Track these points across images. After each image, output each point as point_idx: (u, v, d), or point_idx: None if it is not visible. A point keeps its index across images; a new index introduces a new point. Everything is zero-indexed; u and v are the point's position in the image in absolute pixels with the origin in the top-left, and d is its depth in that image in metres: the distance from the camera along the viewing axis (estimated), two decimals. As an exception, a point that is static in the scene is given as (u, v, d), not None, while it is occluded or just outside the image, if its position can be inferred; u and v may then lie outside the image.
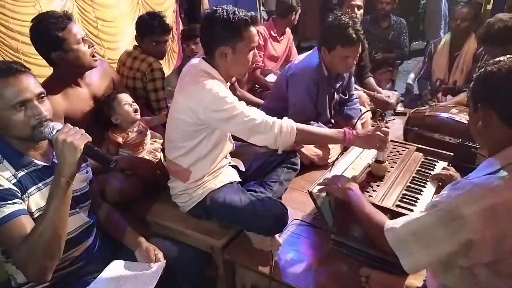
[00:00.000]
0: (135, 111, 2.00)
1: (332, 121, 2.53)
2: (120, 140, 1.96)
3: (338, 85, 2.43)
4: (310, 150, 2.29)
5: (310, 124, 2.22)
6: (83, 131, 1.21)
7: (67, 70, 1.80)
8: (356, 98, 2.64)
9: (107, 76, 2.08)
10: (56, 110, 1.69)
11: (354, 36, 2.08)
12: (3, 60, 1.24)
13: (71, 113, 1.80)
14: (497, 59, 1.04)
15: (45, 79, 1.83)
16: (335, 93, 2.45)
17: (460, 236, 0.96)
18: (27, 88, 1.20)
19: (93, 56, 1.83)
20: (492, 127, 1.02)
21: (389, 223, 1.14)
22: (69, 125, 1.21)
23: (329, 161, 2.36)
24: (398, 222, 1.11)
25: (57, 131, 1.19)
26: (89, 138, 1.20)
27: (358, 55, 2.21)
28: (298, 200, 2.03)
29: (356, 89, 2.93)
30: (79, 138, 1.17)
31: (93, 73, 1.95)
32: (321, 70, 2.26)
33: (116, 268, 1.43)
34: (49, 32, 1.69)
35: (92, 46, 1.84)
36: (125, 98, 1.98)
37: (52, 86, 1.75)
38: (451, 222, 0.97)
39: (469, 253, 0.98)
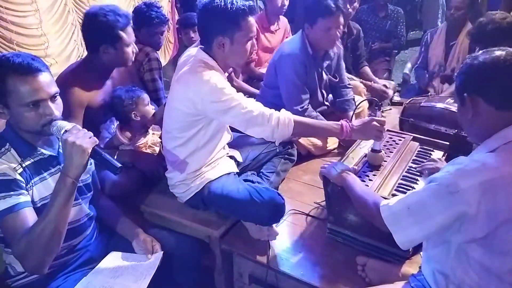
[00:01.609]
0: (153, 114, 2.01)
1: (326, 103, 2.54)
2: (126, 141, 1.95)
3: (325, 64, 2.44)
4: (307, 140, 2.30)
5: (306, 108, 2.24)
6: (91, 134, 1.23)
7: (104, 63, 1.85)
8: (349, 87, 2.64)
9: (127, 71, 2.11)
10: (80, 100, 1.78)
11: (333, 5, 2.13)
12: (24, 53, 1.24)
13: (92, 102, 1.84)
14: (473, 54, 1.13)
15: (74, 64, 1.91)
16: (324, 73, 2.46)
17: (454, 209, 1.00)
18: (43, 89, 1.21)
19: (132, 59, 1.89)
20: (482, 114, 1.08)
21: (385, 201, 1.18)
22: (78, 126, 1.23)
23: (327, 149, 2.38)
24: (394, 199, 1.16)
25: (65, 131, 1.20)
26: (97, 141, 1.23)
27: (340, 26, 2.23)
28: (295, 190, 2.04)
29: (352, 79, 2.93)
30: (88, 141, 1.19)
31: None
32: (306, 49, 2.28)
33: (113, 259, 1.44)
34: (111, 27, 1.74)
35: (135, 51, 1.91)
36: (148, 98, 2.00)
37: (81, 74, 1.82)
38: (447, 195, 1.01)
39: (462, 228, 1.02)
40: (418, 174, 1.63)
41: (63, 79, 1.82)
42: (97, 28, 1.76)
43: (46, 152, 1.31)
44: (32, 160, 1.27)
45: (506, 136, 1.04)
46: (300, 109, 2.23)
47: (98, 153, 1.22)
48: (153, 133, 2.13)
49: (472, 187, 0.98)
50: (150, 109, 1.99)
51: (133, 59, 1.93)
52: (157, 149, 2.07)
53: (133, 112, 1.92)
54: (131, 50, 1.86)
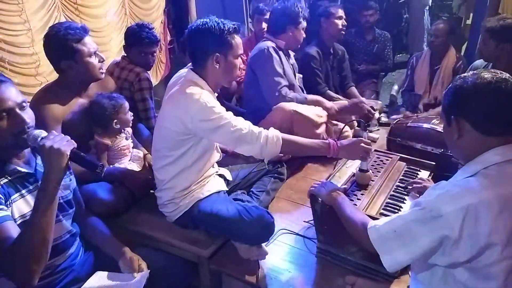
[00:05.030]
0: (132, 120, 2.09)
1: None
2: (108, 142, 1.98)
3: (291, 61, 2.72)
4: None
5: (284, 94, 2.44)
6: (69, 137, 1.23)
7: (73, 79, 1.86)
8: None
9: (107, 89, 2.11)
10: (55, 116, 1.78)
11: (300, 15, 2.54)
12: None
13: (68, 121, 1.84)
14: (462, 75, 1.13)
15: (49, 83, 1.90)
16: (295, 70, 2.74)
17: (438, 233, 1.02)
18: (9, 98, 1.20)
19: (100, 69, 1.89)
20: (467, 136, 1.09)
21: (372, 222, 1.19)
22: (54, 132, 1.23)
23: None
24: (381, 220, 1.17)
25: (41, 138, 1.20)
26: (75, 144, 1.23)
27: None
28: (285, 209, 2.05)
29: (339, 99, 3.02)
30: (66, 144, 1.19)
31: (95, 85, 2.00)
32: (276, 44, 2.57)
33: (99, 278, 1.41)
34: (64, 41, 1.76)
35: (102, 61, 1.91)
36: (128, 106, 2.06)
37: (54, 92, 1.83)
38: (431, 220, 1.02)
39: (446, 251, 1.03)
40: (405, 193, 1.65)
41: (37, 96, 1.84)
42: (52, 46, 1.80)
43: (22, 169, 1.28)
44: (8, 178, 1.24)
45: (486, 161, 1.06)
46: (277, 94, 2.44)
47: (77, 155, 1.23)
48: (138, 152, 2.15)
49: (454, 212, 0.99)
50: (129, 117, 2.05)
51: (103, 69, 1.92)
52: (139, 164, 2.10)
53: (115, 121, 1.95)
54: (95, 60, 1.85)
